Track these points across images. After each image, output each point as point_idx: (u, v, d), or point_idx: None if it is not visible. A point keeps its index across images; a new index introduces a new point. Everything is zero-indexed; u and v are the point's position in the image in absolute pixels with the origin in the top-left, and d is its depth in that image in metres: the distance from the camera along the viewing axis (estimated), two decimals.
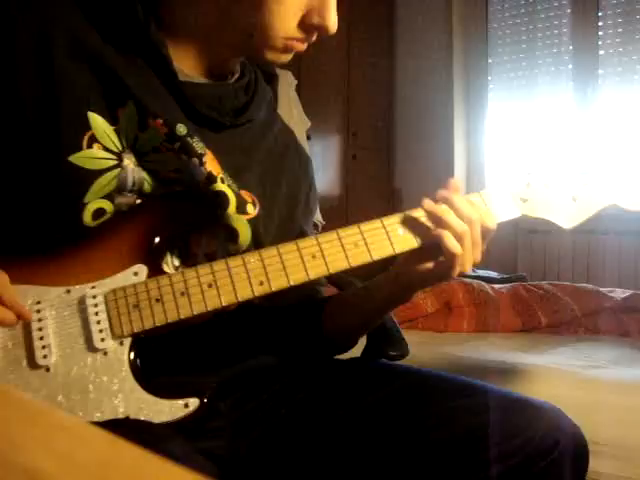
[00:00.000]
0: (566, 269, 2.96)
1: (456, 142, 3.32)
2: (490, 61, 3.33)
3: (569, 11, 3.10)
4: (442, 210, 0.87)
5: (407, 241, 0.88)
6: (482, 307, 2.33)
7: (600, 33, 3.00)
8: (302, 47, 0.91)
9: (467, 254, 0.87)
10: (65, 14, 0.87)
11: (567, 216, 0.95)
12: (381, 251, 0.86)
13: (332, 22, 0.89)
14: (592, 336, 2.20)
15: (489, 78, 3.33)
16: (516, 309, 2.33)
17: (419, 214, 0.89)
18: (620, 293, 2.37)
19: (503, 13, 3.31)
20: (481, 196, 0.92)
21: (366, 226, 0.87)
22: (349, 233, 0.86)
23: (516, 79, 3.25)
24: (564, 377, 1.67)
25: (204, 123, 0.92)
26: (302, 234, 1.03)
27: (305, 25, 0.88)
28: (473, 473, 0.85)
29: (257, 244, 0.93)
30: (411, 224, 0.88)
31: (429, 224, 0.88)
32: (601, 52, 2.99)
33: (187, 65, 0.93)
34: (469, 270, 0.90)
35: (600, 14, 3.00)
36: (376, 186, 3.37)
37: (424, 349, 1.83)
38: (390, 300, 0.98)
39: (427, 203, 0.88)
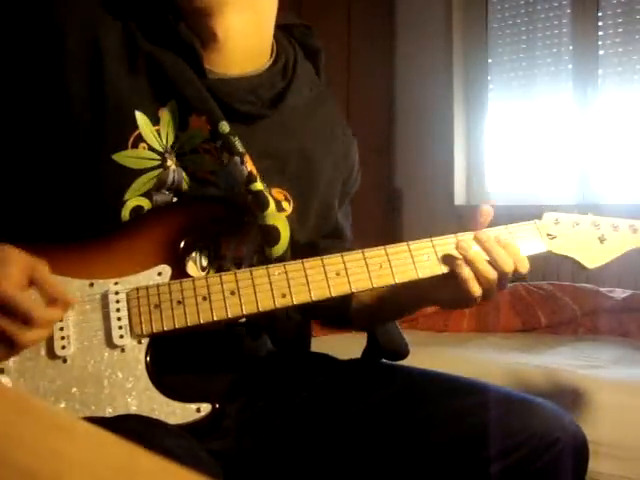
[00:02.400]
0: (566, 269, 2.95)
1: (456, 142, 3.32)
2: (490, 61, 3.33)
3: (569, 11, 3.09)
4: (474, 255, 0.87)
5: (432, 267, 0.88)
6: (482, 307, 2.33)
7: (600, 33, 3.00)
8: None
9: (488, 294, 0.89)
10: (113, 15, 0.87)
11: (592, 256, 0.95)
12: (405, 275, 0.87)
13: None
14: (592, 336, 2.20)
15: (489, 78, 3.33)
16: (516, 309, 2.33)
17: (447, 242, 0.89)
18: (620, 293, 2.37)
19: (503, 13, 3.30)
20: (508, 229, 0.92)
21: (392, 249, 0.88)
22: (375, 254, 0.87)
23: (516, 79, 3.25)
24: (564, 377, 1.67)
25: (239, 118, 0.90)
26: (338, 230, 1.04)
27: None
28: (474, 471, 0.86)
29: (293, 241, 0.93)
30: (437, 252, 0.88)
31: (457, 257, 0.88)
32: (601, 52, 2.99)
33: (217, 63, 0.91)
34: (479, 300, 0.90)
35: (600, 14, 3.00)
36: (376, 186, 3.37)
37: (424, 349, 1.83)
38: (402, 308, 1.02)
39: (461, 244, 0.88)
